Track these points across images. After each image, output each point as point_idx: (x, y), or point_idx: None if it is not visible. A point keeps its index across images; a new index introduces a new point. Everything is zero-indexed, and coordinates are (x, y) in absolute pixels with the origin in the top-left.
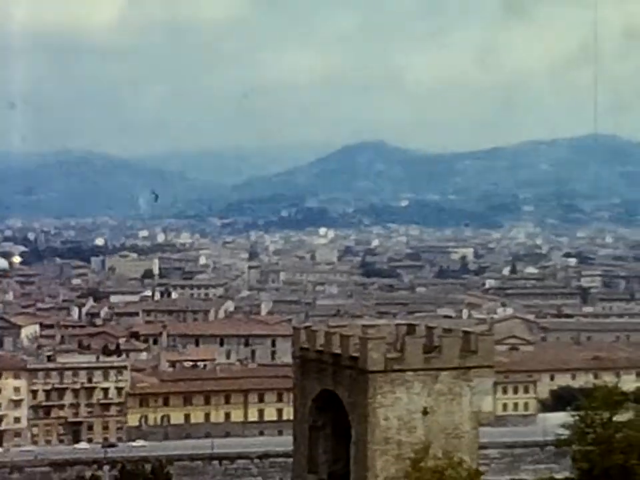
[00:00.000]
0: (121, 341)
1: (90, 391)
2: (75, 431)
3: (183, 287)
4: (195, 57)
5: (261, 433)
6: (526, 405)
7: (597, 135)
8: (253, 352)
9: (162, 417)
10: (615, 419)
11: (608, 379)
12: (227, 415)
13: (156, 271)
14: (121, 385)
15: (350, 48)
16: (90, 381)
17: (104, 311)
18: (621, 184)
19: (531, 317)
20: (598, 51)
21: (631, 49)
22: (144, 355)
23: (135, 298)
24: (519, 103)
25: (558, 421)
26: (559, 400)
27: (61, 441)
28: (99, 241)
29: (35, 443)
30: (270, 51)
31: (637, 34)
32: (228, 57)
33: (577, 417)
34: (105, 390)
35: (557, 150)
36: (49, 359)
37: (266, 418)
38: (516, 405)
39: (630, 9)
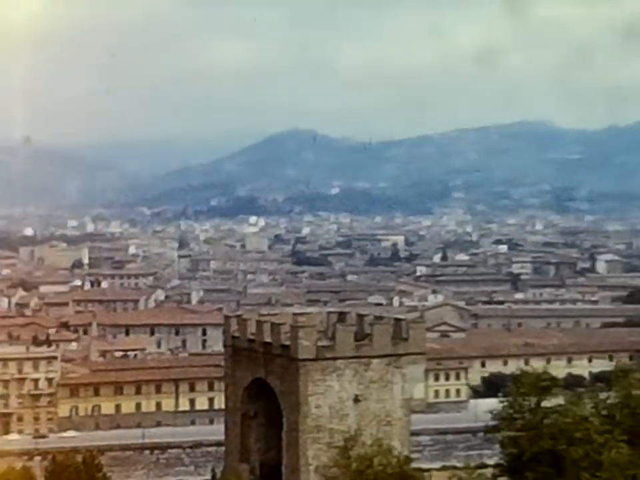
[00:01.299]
0: (51, 331)
1: (20, 381)
2: (5, 423)
3: (112, 276)
4: (122, 48)
5: (193, 423)
6: (457, 392)
7: (526, 122)
8: (184, 341)
9: (93, 407)
10: (543, 404)
11: (538, 364)
12: (158, 405)
13: (85, 261)
14: (51, 375)
15: (279, 36)
16: (20, 371)
17: (33, 301)
18: (550, 171)
19: (462, 303)
20: (528, 36)
21: (561, 36)
22: (74, 345)
23: (65, 288)
24: (447, 90)
25: (489, 407)
26: (491, 386)
27: None
28: (28, 231)
29: None
30: (199, 40)
31: (563, 21)
32: (156, 46)
33: (506, 403)
34: (35, 381)
35: (485, 137)
36: None
37: (197, 407)
38: (447, 391)
39: None
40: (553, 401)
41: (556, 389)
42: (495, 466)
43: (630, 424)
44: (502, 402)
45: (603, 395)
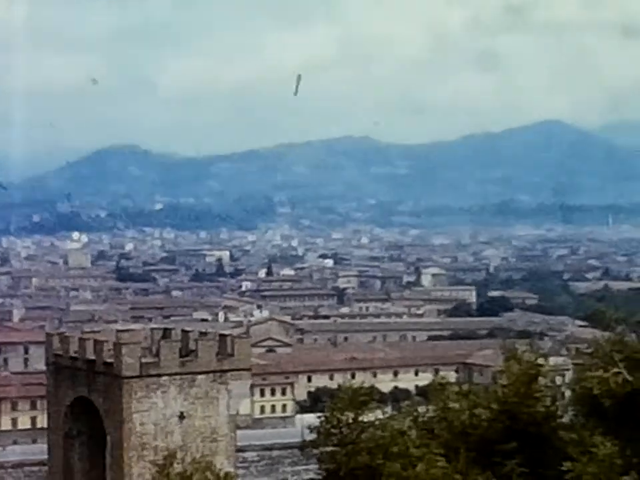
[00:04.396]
0: None
1: None
2: None
3: None
4: None
5: (15, 442)
6: (284, 407)
7: (351, 137)
8: (5, 360)
9: None
10: (360, 419)
11: (365, 378)
12: None
13: None
14: None
15: (104, 52)
16: None
17: None
18: (375, 185)
19: (288, 318)
20: (354, 53)
21: (384, 52)
22: None
23: None
24: (273, 105)
25: (315, 422)
26: (317, 401)
27: None
28: None
29: None
30: (22, 55)
31: (386, 40)
32: None
33: (323, 418)
34: None
35: (311, 152)
36: None
37: (20, 426)
38: (273, 407)
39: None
40: (371, 415)
41: (374, 403)
42: None
43: (447, 437)
44: (320, 417)
45: (422, 409)
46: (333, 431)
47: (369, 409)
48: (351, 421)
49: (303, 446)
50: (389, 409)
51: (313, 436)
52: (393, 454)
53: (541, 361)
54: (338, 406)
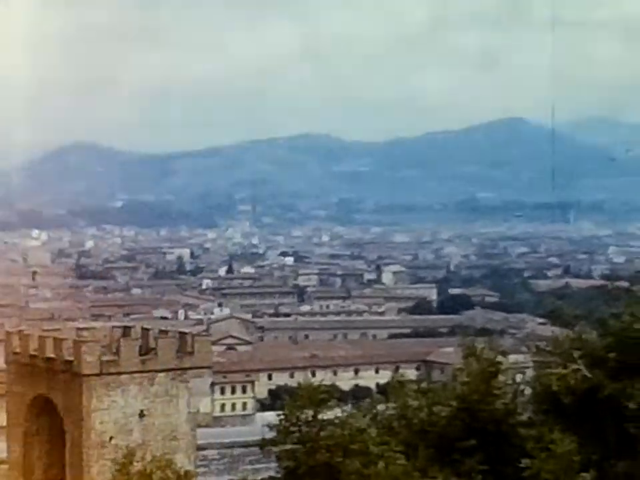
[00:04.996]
0: None
1: None
2: None
3: None
4: None
5: None
6: (244, 405)
7: (312, 135)
8: None
9: None
10: (319, 416)
11: (325, 376)
12: None
13: None
14: None
15: (64, 48)
16: None
17: None
18: (336, 183)
19: (248, 316)
20: (316, 51)
21: (346, 50)
22: None
23: None
24: (236, 102)
25: (275, 420)
26: (277, 399)
27: None
28: None
29: None
30: None
31: (348, 37)
32: None
33: (282, 416)
34: None
35: (272, 150)
36: None
37: None
38: (234, 405)
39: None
40: (330, 414)
41: (333, 401)
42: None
43: (406, 435)
44: (279, 415)
45: (382, 407)
46: (292, 429)
47: (328, 407)
48: (310, 418)
49: (262, 444)
50: (349, 407)
51: (273, 434)
52: (352, 452)
53: (499, 358)
54: (297, 404)
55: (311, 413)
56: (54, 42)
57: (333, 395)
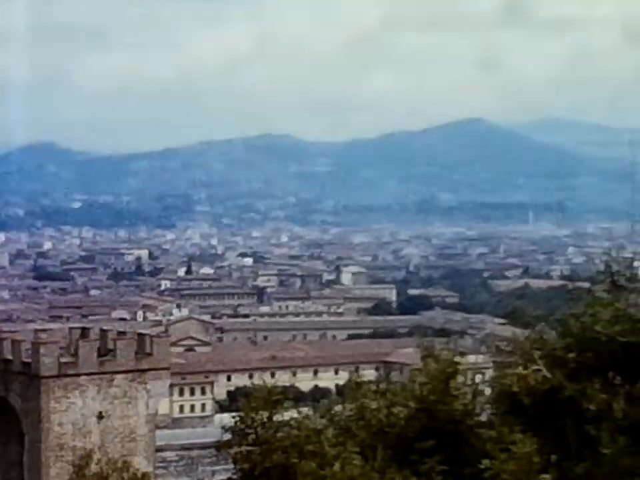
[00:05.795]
0: None
1: None
2: None
3: None
4: None
5: None
6: (203, 406)
7: (270, 135)
8: None
9: None
10: (275, 418)
11: (285, 378)
12: None
13: None
14: None
15: (16, 48)
16: None
17: None
18: (295, 183)
19: (207, 317)
20: (273, 51)
21: (303, 50)
22: None
23: None
24: (193, 102)
25: (231, 422)
26: (236, 400)
27: None
28: None
29: None
30: None
31: (305, 38)
32: None
33: (238, 418)
34: None
35: (230, 150)
36: None
37: None
38: (193, 406)
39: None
40: (287, 415)
41: (289, 402)
42: None
43: (364, 436)
44: (234, 417)
45: (339, 407)
46: (247, 430)
47: (284, 408)
48: (265, 420)
49: (218, 446)
50: (307, 409)
51: (229, 436)
52: (308, 453)
53: (458, 358)
54: (252, 405)
55: (266, 414)
56: (6, 41)
57: (289, 396)
